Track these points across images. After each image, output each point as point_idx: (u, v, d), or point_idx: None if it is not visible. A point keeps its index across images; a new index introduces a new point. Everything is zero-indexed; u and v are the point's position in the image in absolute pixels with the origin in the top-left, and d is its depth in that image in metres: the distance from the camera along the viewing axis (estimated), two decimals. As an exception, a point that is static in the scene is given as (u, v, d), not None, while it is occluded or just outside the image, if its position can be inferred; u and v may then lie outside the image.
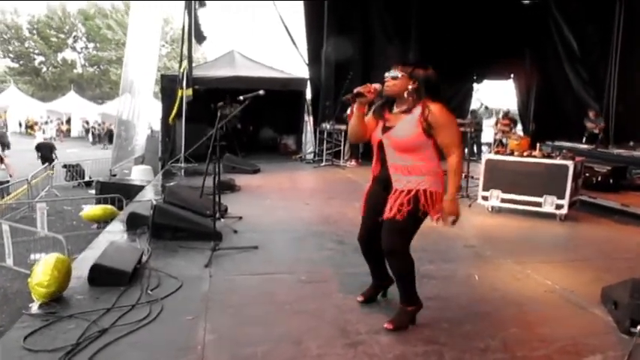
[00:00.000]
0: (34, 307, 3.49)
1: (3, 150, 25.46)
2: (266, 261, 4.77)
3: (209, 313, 3.53)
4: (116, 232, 5.79)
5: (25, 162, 17.44)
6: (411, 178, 3.16)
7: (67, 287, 3.75)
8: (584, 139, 12.10)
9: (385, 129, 3.28)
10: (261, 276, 4.36)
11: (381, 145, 3.33)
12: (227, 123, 12.67)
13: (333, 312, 3.59)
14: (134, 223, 5.74)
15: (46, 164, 17.28)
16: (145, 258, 4.60)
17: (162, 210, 5.40)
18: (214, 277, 4.26)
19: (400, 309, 3.38)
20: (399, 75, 3.22)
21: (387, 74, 3.28)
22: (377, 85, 3.31)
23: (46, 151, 19.23)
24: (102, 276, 3.95)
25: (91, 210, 7.99)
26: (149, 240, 5.22)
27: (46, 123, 37.57)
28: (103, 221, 7.89)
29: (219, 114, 4.89)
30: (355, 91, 3.31)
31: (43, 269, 3.60)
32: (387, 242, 3.24)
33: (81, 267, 4.18)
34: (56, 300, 3.60)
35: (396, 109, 3.30)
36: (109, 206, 8.04)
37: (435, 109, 3.11)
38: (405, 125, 3.18)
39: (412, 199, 3.13)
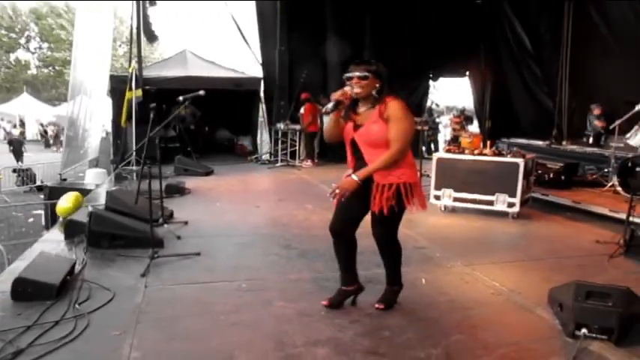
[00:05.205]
0: (-52, 327, 3.22)
1: None
2: (207, 268, 4.57)
3: (139, 327, 3.31)
4: (53, 240, 5.49)
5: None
6: (390, 171, 3.33)
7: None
8: (590, 139, 10.79)
9: (356, 127, 3.41)
10: (200, 285, 4.15)
11: (353, 142, 3.45)
12: (180, 124, 12.43)
13: (271, 322, 3.42)
14: (72, 231, 5.45)
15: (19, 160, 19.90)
16: (78, 268, 4.35)
17: (99, 217, 5.12)
18: (150, 288, 4.04)
19: (387, 290, 3.72)
20: (366, 74, 3.32)
21: (350, 74, 3.35)
22: (348, 89, 3.37)
23: (17, 145, 21.72)
24: (26, 290, 3.68)
25: (64, 205, 6.82)
26: (85, 249, 4.95)
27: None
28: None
29: (151, 116, 4.66)
30: (334, 100, 3.34)
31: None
32: (379, 233, 3.52)
33: (7, 280, 3.88)
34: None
35: (361, 108, 3.44)
36: (78, 195, 6.95)
37: (393, 103, 3.30)
38: (372, 123, 3.33)
39: (395, 193, 3.32)
